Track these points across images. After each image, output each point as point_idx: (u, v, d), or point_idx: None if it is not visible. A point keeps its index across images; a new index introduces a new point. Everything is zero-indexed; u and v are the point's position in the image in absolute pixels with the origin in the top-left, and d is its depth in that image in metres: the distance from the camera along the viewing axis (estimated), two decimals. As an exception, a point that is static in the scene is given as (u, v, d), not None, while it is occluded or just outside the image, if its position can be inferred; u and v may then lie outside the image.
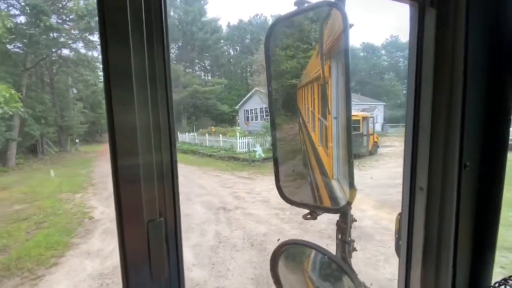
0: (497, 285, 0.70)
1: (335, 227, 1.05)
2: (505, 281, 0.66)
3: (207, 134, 20.17)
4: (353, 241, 1.08)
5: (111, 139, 0.46)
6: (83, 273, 4.08)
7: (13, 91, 9.57)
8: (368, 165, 11.91)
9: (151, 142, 0.49)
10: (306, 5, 0.97)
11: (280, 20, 1.10)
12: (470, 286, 0.76)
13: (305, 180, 1.30)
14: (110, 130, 0.46)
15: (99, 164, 13.57)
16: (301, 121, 1.76)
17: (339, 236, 1.07)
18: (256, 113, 25.34)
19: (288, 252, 1.11)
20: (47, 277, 4.00)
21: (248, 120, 25.97)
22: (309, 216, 1.06)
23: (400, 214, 0.82)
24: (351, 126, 0.91)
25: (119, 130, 0.46)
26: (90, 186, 9.68)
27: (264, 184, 9.21)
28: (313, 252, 1.08)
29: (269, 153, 14.14)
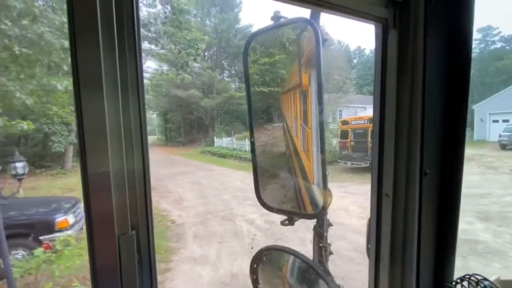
0: (459, 280, 0.76)
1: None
2: (461, 279, 0.72)
3: (246, 139, 19.37)
4: (330, 245, 1.12)
5: (81, 145, 0.45)
6: (201, 280, 3.91)
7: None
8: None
9: (122, 149, 0.48)
10: (282, 20, 1.02)
11: (257, 34, 1.14)
12: (433, 284, 0.82)
13: (284, 186, 1.34)
14: (80, 135, 0.45)
15: None
16: (285, 126, 1.80)
17: (316, 241, 1.11)
18: None
19: (267, 259, 1.13)
20: (167, 283, 3.80)
21: None
22: (286, 222, 1.10)
23: (369, 220, 0.87)
24: (324, 131, 0.96)
25: (88, 136, 0.45)
26: (152, 189, 9.44)
27: (333, 190, 8.80)
28: (291, 258, 1.11)
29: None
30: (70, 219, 4.84)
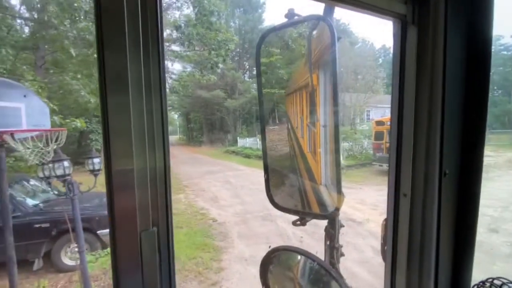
0: (481, 284, 0.74)
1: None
2: (483, 283, 0.70)
3: None
4: (341, 246, 1.10)
5: (106, 144, 0.46)
6: (256, 280, 3.77)
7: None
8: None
9: (146, 148, 0.49)
10: (296, 17, 1.00)
11: (270, 31, 1.13)
12: (452, 287, 0.79)
13: (295, 187, 1.33)
14: (105, 135, 0.46)
15: (174, 167, 13.39)
16: (289, 127, 1.78)
17: (328, 242, 1.09)
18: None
19: (278, 259, 1.11)
20: (223, 283, 3.76)
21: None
22: (298, 222, 1.08)
23: (385, 220, 0.85)
24: (339, 134, 0.94)
25: (114, 136, 0.46)
26: (184, 187, 9.67)
27: (371, 194, 8.12)
28: (302, 258, 1.09)
29: (348, 160, 13.56)
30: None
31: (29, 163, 3.11)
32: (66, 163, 2.98)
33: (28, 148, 2.86)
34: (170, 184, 0.53)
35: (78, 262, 4.14)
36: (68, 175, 3.00)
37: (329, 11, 0.99)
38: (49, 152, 3.01)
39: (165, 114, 0.52)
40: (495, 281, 0.66)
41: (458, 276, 0.79)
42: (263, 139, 1.25)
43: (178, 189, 9.22)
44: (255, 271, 4.01)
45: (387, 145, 11.63)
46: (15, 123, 2.49)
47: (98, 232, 4.65)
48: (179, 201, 7.98)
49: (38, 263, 4.38)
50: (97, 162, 3.21)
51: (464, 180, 0.78)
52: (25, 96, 2.59)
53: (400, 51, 0.79)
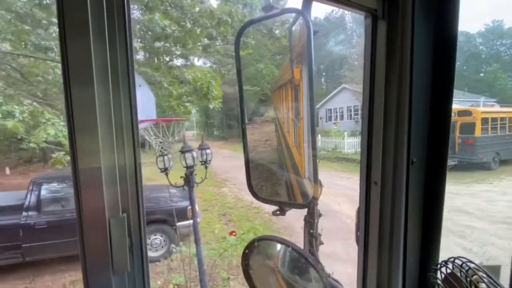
0: (443, 263, 0.78)
1: None
2: (445, 262, 0.74)
3: None
4: (320, 235, 1.14)
5: (71, 140, 0.44)
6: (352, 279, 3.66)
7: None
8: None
9: (113, 144, 0.47)
10: (274, 11, 1.02)
11: (248, 24, 1.13)
12: (419, 267, 0.84)
13: (277, 177, 1.35)
14: (70, 131, 0.44)
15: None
16: (277, 122, 1.81)
17: (307, 231, 1.13)
18: (342, 112, 22.77)
19: (259, 249, 1.14)
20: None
21: (331, 119, 23.61)
22: (278, 212, 1.11)
23: (358, 208, 0.89)
24: (314, 125, 0.97)
25: (79, 131, 0.44)
26: (224, 181, 9.50)
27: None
28: (283, 247, 1.12)
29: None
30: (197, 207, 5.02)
31: (157, 154, 3.04)
32: (194, 154, 2.94)
33: (157, 137, 2.77)
34: (142, 178, 0.52)
35: (160, 253, 4.58)
36: (194, 165, 2.97)
37: (306, 5, 1.01)
38: (172, 143, 2.95)
39: (134, 108, 0.50)
40: (456, 261, 0.71)
41: (425, 257, 0.84)
42: (244, 134, 1.26)
43: (219, 183, 9.17)
44: (345, 267, 3.88)
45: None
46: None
47: (177, 224, 4.71)
48: (225, 194, 7.94)
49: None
50: (209, 153, 3.17)
51: (430, 167, 0.82)
52: (140, 85, 2.51)
53: (370, 45, 0.82)
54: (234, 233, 4.43)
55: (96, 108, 0.45)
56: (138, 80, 2.62)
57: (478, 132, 9.13)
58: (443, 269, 0.72)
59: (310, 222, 1.12)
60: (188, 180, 2.95)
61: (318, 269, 0.97)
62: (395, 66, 0.78)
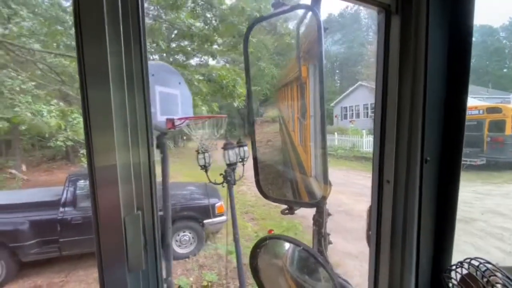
0: (459, 264, 0.77)
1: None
2: (461, 263, 0.73)
3: None
4: (329, 234, 1.13)
5: (87, 140, 0.45)
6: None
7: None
8: None
9: (129, 143, 0.48)
10: (283, 7, 1.01)
11: (257, 21, 1.12)
12: (432, 268, 0.83)
13: (283, 177, 1.34)
14: (86, 131, 0.45)
15: (219, 159, 13.20)
16: (281, 121, 1.79)
17: (316, 230, 1.12)
18: (358, 110, 22.30)
19: (267, 248, 1.13)
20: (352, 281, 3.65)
21: (346, 117, 23.34)
22: (287, 211, 1.10)
23: (370, 207, 0.88)
24: (325, 124, 0.96)
25: (95, 131, 0.45)
26: (243, 179, 9.60)
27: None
28: (291, 246, 1.11)
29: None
30: (224, 205, 5.05)
31: (199, 151, 3.10)
32: (236, 151, 2.99)
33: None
34: (155, 176, 0.53)
35: (189, 250, 4.68)
36: (237, 163, 3.00)
37: (316, 1, 0.99)
38: (214, 140, 3.01)
39: (148, 109, 0.51)
40: (473, 261, 0.69)
41: (439, 258, 0.83)
42: (252, 133, 1.25)
43: (238, 181, 9.29)
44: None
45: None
46: (174, 110, 2.44)
47: (205, 221, 4.85)
48: (244, 192, 7.88)
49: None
50: (246, 150, 3.19)
51: (444, 166, 0.81)
52: (179, 83, 2.55)
53: (384, 40, 0.80)
54: (272, 232, 4.58)
55: (112, 109, 0.46)
56: (178, 77, 2.61)
57: (508, 130, 8.65)
58: (459, 270, 0.71)
59: (319, 221, 1.11)
60: (229, 177, 2.94)
61: (328, 269, 0.96)
62: (409, 62, 0.77)
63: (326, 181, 0.98)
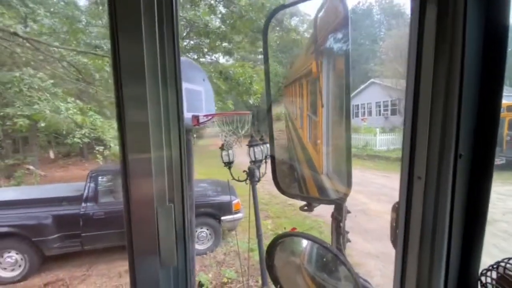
0: (495, 265, 0.74)
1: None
2: (498, 264, 0.70)
3: None
4: (348, 232, 1.10)
5: (121, 134, 0.45)
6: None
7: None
8: None
9: (162, 138, 0.48)
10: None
11: (279, 9, 1.08)
12: (461, 273, 0.80)
13: (302, 173, 1.31)
14: (120, 125, 0.45)
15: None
16: (287, 118, 1.75)
17: (334, 228, 1.09)
18: (370, 108, 22.03)
19: (283, 245, 1.10)
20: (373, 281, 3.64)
21: (357, 115, 22.93)
22: (305, 207, 1.07)
23: (397, 203, 0.84)
24: (350, 117, 0.92)
25: (130, 126, 0.45)
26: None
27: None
28: (309, 244, 1.08)
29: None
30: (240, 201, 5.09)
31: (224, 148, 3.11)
32: (262, 148, 2.96)
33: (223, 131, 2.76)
34: (185, 170, 0.53)
35: (206, 246, 4.76)
36: (262, 160, 2.97)
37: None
38: (239, 137, 2.96)
39: (180, 106, 0.51)
40: (511, 261, 0.66)
41: (469, 259, 0.79)
42: (271, 129, 1.22)
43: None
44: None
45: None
46: (199, 107, 2.40)
47: (222, 218, 4.87)
48: (257, 190, 7.98)
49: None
50: (268, 147, 3.18)
51: (477, 163, 0.77)
52: (203, 80, 2.54)
53: (418, 30, 0.76)
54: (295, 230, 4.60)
55: (148, 105, 0.46)
56: (202, 74, 2.58)
57: (529, 129, 8.18)
58: (494, 271, 0.67)
59: (338, 219, 1.08)
60: (253, 174, 2.92)
61: (349, 267, 0.93)
62: (445, 54, 0.73)
63: (348, 178, 0.95)
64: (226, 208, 4.91)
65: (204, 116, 2.30)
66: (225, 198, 5.00)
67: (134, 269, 0.43)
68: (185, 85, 2.21)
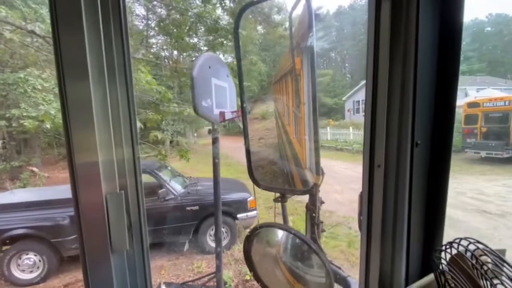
0: (444, 247, 0.77)
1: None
2: (450, 244, 0.73)
3: (328, 128, 18.34)
4: (322, 222, 1.13)
5: (67, 136, 0.43)
6: None
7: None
8: None
9: (111, 140, 0.46)
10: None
11: (248, 6, 1.11)
12: (423, 250, 0.83)
13: (276, 166, 1.35)
14: (66, 127, 0.43)
15: (230, 154, 13.43)
16: (277, 115, 1.79)
17: (309, 218, 1.12)
18: None
19: (261, 235, 1.14)
20: None
21: (359, 112, 22.54)
22: (279, 199, 1.10)
23: (361, 193, 0.88)
24: (317, 114, 0.96)
25: (75, 127, 0.43)
26: None
27: (486, 185, 7.25)
28: (285, 234, 1.12)
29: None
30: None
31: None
32: None
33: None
34: (141, 173, 0.53)
35: (223, 244, 4.60)
36: None
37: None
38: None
39: (131, 103, 0.49)
40: (462, 241, 0.69)
41: (430, 241, 0.83)
42: (245, 125, 1.25)
43: None
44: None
45: (484, 130, 9.64)
46: (224, 103, 2.40)
47: (238, 216, 4.85)
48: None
49: (187, 245, 4.76)
50: None
51: (435, 149, 0.80)
52: (227, 75, 2.50)
53: (374, 25, 0.79)
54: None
55: (92, 103, 0.44)
56: (226, 70, 2.58)
57: (535, 122, 8.60)
58: (449, 251, 0.71)
59: (312, 209, 1.11)
60: None
61: (321, 255, 0.96)
62: (400, 46, 0.76)
63: (318, 168, 0.98)
64: (241, 205, 4.87)
65: (231, 112, 2.29)
66: (240, 195, 4.96)
67: (84, 255, 0.45)
68: (214, 81, 2.19)
